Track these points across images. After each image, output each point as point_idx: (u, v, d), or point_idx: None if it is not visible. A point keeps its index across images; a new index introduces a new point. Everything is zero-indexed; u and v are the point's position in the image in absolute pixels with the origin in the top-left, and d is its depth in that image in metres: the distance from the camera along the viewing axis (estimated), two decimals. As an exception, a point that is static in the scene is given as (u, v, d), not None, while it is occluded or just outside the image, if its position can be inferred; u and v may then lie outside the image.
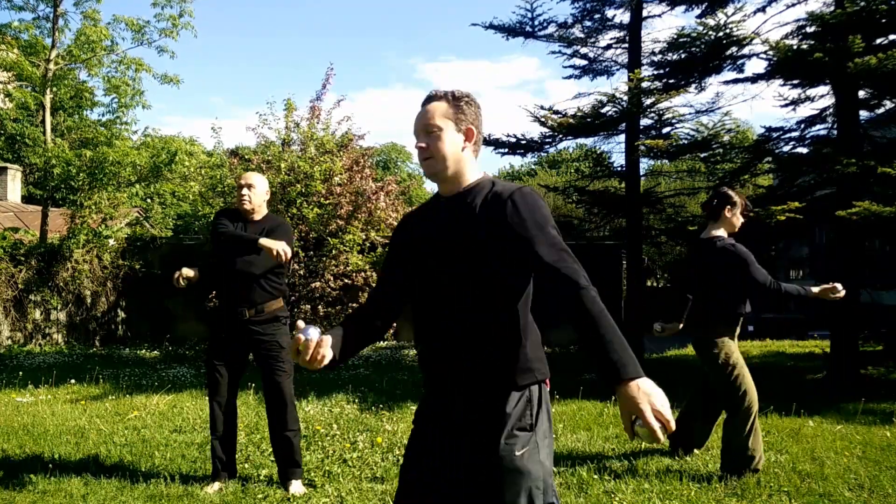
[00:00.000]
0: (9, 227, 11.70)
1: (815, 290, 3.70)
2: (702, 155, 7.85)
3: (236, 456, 3.77)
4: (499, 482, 1.58)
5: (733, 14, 7.51)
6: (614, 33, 8.48)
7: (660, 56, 8.11)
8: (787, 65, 6.85)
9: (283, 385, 3.56)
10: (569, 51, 8.63)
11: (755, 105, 68.32)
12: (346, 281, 8.70)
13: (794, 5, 7.88)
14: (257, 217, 3.65)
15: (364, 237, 8.87)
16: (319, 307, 8.65)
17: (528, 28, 8.36)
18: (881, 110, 7.96)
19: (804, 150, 8.00)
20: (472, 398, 1.67)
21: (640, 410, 1.33)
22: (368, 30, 79.55)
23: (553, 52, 10.86)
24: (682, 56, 7.72)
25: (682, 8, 8.20)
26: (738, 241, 3.97)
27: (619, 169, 8.34)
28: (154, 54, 24.80)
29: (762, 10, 7.93)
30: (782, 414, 5.45)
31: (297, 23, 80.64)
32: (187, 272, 3.58)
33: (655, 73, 8.13)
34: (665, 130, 8.01)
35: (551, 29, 8.40)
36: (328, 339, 1.61)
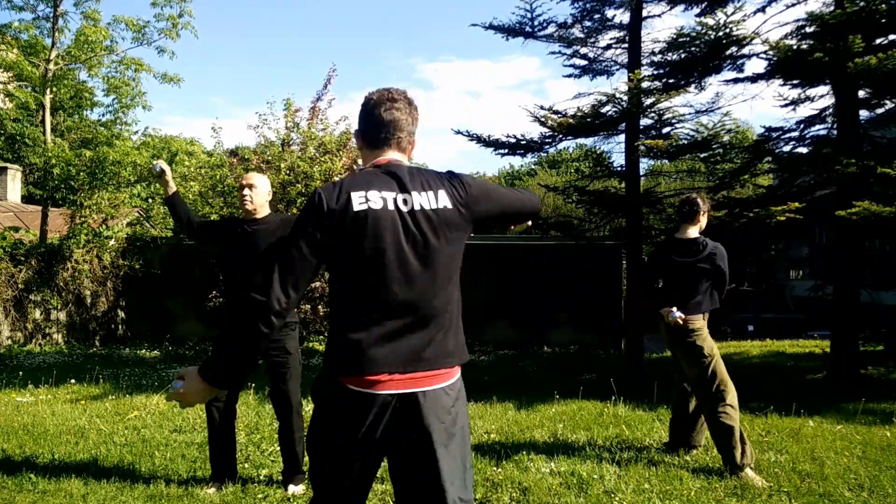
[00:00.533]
0: (9, 227, 11.69)
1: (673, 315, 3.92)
2: (702, 155, 7.85)
3: (236, 456, 3.77)
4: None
5: (733, 14, 7.50)
6: (614, 33, 8.47)
7: (660, 56, 8.11)
8: (787, 65, 6.84)
9: (290, 392, 3.55)
10: (569, 51, 8.62)
11: (755, 105, 68.37)
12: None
13: (794, 5, 7.88)
14: (259, 217, 3.64)
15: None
16: (319, 307, 8.66)
17: (527, 28, 8.34)
18: (881, 110, 7.96)
19: (804, 150, 8.00)
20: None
21: None
22: (369, 30, 79.57)
23: (553, 53, 10.88)
24: (682, 56, 7.71)
25: (682, 7, 8.19)
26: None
27: (619, 169, 8.33)
28: (154, 54, 24.86)
29: (762, 10, 7.93)
30: (782, 414, 5.45)
31: (298, 23, 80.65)
32: (166, 170, 3.65)
33: (655, 73, 8.12)
34: (665, 130, 8.00)
35: (551, 29, 8.39)
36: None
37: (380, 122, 1.87)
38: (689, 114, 8.09)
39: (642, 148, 7.39)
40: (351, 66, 77.02)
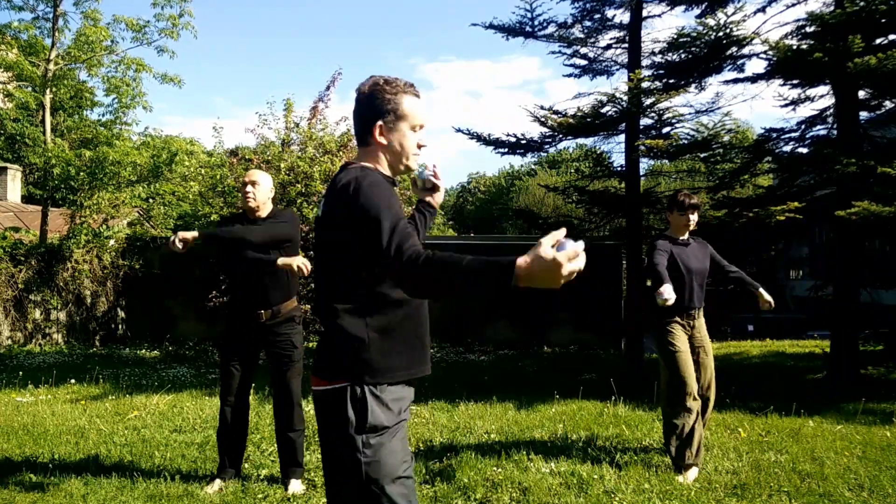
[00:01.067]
0: (9, 227, 11.69)
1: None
2: (702, 155, 7.84)
3: (244, 452, 3.78)
4: None
5: (733, 14, 7.50)
6: (614, 33, 8.47)
7: (660, 56, 8.10)
8: (787, 65, 6.84)
9: (292, 385, 3.57)
10: (569, 51, 8.62)
11: (755, 105, 68.33)
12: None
13: (794, 5, 7.88)
14: (262, 215, 3.64)
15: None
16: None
17: (527, 28, 8.34)
18: (881, 110, 7.96)
19: (804, 150, 8.00)
20: None
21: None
22: (369, 29, 79.56)
23: (553, 52, 10.87)
24: (682, 56, 7.71)
25: (682, 8, 8.19)
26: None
27: (619, 169, 8.33)
28: (154, 54, 24.83)
29: (762, 10, 7.93)
30: (782, 414, 5.45)
31: (298, 23, 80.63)
32: (185, 234, 3.39)
33: (655, 73, 8.12)
34: (665, 130, 7.99)
35: (551, 29, 8.39)
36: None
37: None
38: (689, 114, 8.10)
39: (642, 148, 7.39)
40: (351, 66, 77.02)
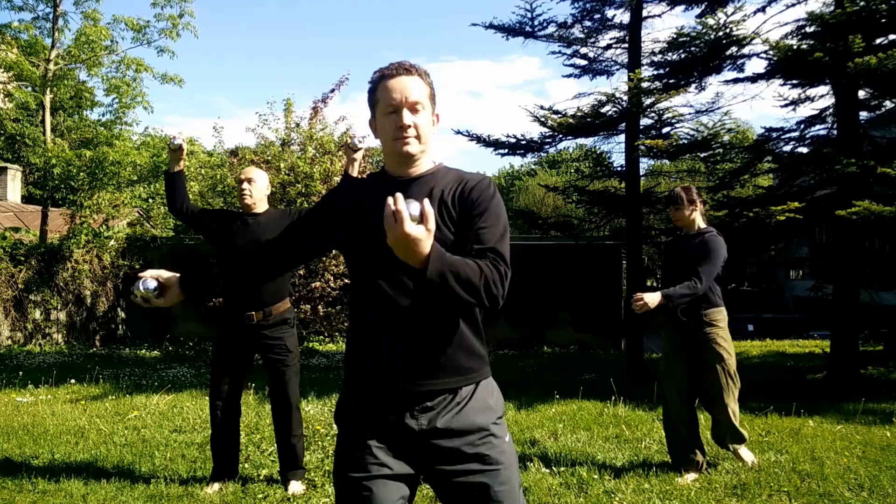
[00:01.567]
0: (9, 227, 11.69)
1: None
2: (702, 155, 7.85)
3: (239, 455, 3.77)
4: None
5: (733, 14, 7.50)
6: (614, 33, 8.47)
7: (660, 56, 8.10)
8: (787, 65, 6.85)
9: (288, 388, 3.55)
10: (569, 51, 8.62)
11: (755, 105, 68.31)
12: (345, 281, 8.69)
13: (794, 5, 7.88)
14: (258, 212, 3.63)
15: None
16: (319, 307, 8.66)
17: (527, 28, 8.34)
18: (881, 110, 7.96)
19: (804, 150, 8.00)
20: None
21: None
22: (369, 29, 79.58)
23: (553, 52, 10.87)
24: (682, 56, 7.71)
25: (682, 8, 8.19)
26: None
27: (619, 169, 8.33)
28: (154, 54, 24.85)
29: (762, 9, 7.93)
30: (782, 414, 5.45)
31: (299, 23, 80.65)
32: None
33: (655, 73, 8.12)
34: (665, 130, 7.99)
35: (551, 29, 8.39)
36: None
37: None
38: (689, 114, 8.10)
39: (642, 148, 7.39)
40: (352, 66, 77.04)
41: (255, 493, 3.49)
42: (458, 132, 8.36)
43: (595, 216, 8.56)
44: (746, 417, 5.38)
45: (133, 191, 12.10)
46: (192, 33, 11.83)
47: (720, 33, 7.16)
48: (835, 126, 7.72)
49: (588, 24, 8.38)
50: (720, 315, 3.80)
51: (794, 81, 7.60)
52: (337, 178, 8.82)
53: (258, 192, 3.60)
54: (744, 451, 4.04)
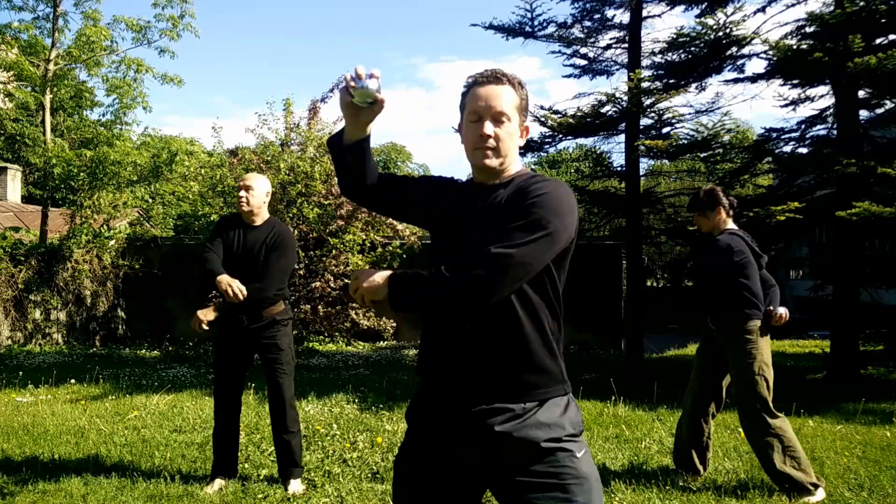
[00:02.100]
0: (9, 227, 11.69)
1: None
2: (702, 155, 7.85)
3: (238, 453, 3.77)
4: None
5: (733, 14, 7.50)
6: (614, 33, 8.48)
7: (660, 56, 8.11)
8: (787, 65, 6.85)
9: (282, 387, 3.58)
10: (569, 51, 8.63)
11: (755, 105, 68.33)
12: (346, 281, 8.70)
13: (794, 5, 7.89)
14: (258, 220, 3.62)
15: (364, 237, 8.88)
16: (319, 307, 8.66)
17: (527, 28, 8.35)
18: (881, 110, 7.96)
19: (804, 150, 8.00)
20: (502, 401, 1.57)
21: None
22: (370, 29, 79.61)
23: (553, 52, 10.88)
24: (682, 56, 7.72)
25: (682, 8, 8.19)
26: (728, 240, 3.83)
27: (619, 169, 8.33)
28: (155, 55, 24.84)
29: (762, 10, 7.93)
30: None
31: (299, 23, 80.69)
32: (206, 316, 3.60)
33: (655, 73, 8.13)
34: (665, 130, 8.00)
35: (551, 29, 8.39)
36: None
37: None
38: (689, 114, 8.12)
39: (642, 148, 7.40)
40: (352, 66, 76.81)
41: (255, 493, 3.49)
42: (458, 131, 8.37)
43: (595, 216, 8.57)
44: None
45: (133, 191, 12.10)
46: (193, 34, 11.83)
47: (720, 33, 7.16)
48: (835, 126, 7.73)
49: (588, 24, 8.39)
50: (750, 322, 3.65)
51: (794, 81, 7.60)
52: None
53: (256, 199, 3.59)
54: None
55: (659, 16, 8.29)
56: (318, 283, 8.43)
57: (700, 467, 3.75)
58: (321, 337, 9.94)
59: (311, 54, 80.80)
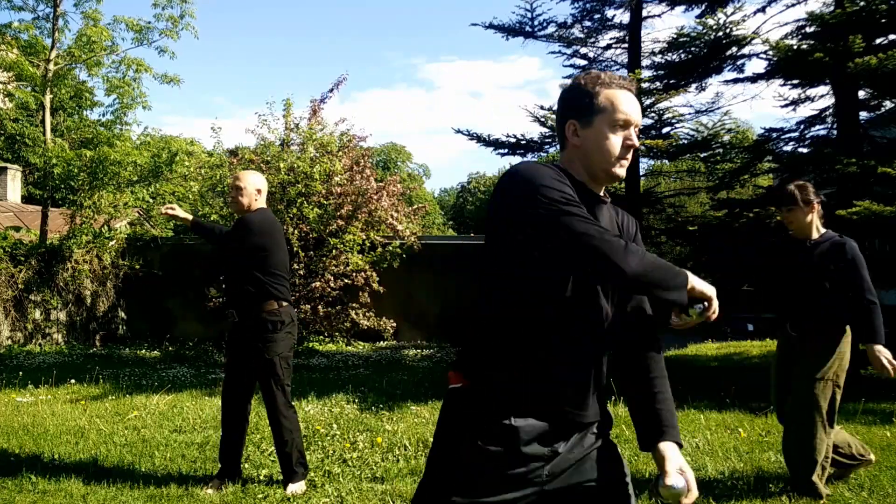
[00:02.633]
0: (9, 226, 11.69)
1: None
2: (702, 155, 7.86)
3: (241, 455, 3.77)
4: None
5: (733, 14, 7.51)
6: (614, 33, 8.49)
7: (660, 56, 8.12)
8: (787, 65, 6.85)
9: (274, 394, 3.51)
10: (569, 50, 8.65)
11: (755, 105, 68.35)
12: (346, 281, 8.70)
13: (794, 5, 7.89)
14: (252, 211, 3.62)
15: (364, 237, 8.88)
16: (319, 307, 8.66)
17: (527, 28, 8.36)
18: (881, 110, 7.96)
19: (804, 150, 8.00)
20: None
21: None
22: (370, 30, 79.60)
23: (553, 52, 10.88)
24: (682, 56, 7.72)
25: (682, 8, 8.20)
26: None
27: (619, 169, 8.34)
28: (155, 54, 24.85)
29: (762, 10, 7.94)
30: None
31: (299, 23, 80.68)
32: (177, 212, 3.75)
33: (655, 73, 8.13)
34: (665, 130, 8.01)
35: (551, 29, 8.41)
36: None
37: None
38: (689, 114, 8.14)
39: (642, 148, 7.40)
40: (353, 66, 77.10)
41: (255, 494, 3.49)
42: (458, 131, 8.38)
43: (595, 216, 8.56)
44: (746, 417, 5.39)
45: (133, 191, 12.10)
46: (193, 34, 11.83)
47: (720, 33, 7.16)
48: (835, 126, 7.73)
49: (588, 24, 8.40)
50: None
51: (794, 81, 7.60)
52: (337, 178, 8.81)
53: (246, 197, 3.57)
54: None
55: (659, 16, 8.30)
56: (318, 283, 8.43)
57: (824, 490, 3.39)
58: (321, 337, 9.95)
59: (311, 54, 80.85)
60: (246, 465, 3.95)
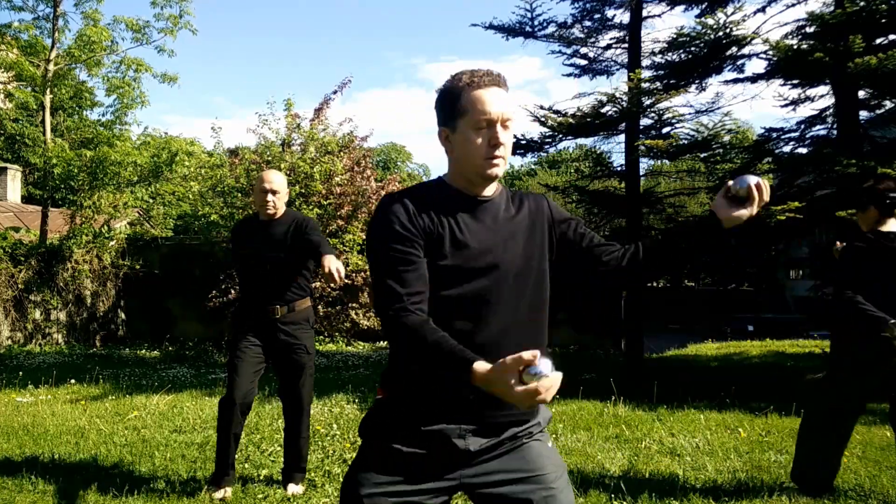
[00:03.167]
0: (9, 227, 11.69)
1: None
2: (702, 155, 7.84)
3: (236, 455, 3.76)
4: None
5: (733, 14, 7.49)
6: (614, 33, 8.47)
7: (660, 56, 8.10)
8: (787, 65, 6.84)
9: (303, 390, 3.51)
10: (569, 50, 8.62)
11: (755, 105, 68.25)
12: (345, 281, 8.70)
13: (794, 5, 7.89)
14: (279, 215, 3.58)
15: (364, 237, 8.89)
16: (319, 307, 8.66)
17: (527, 28, 8.34)
18: (881, 110, 7.96)
19: (804, 150, 8.00)
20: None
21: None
22: (370, 30, 79.60)
23: (553, 52, 10.87)
24: (682, 56, 7.71)
25: (682, 8, 8.19)
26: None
27: (619, 169, 8.33)
28: (154, 53, 24.81)
29: (762, 10, 7.93)
30: (782, 414, 5.44)
31: (299, 23, 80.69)
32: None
33: (655, 73, 8.12)
34: (665, 130, 7.99)
35: (551, 29, 8.38)
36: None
37: None
38: (689, 114, 8.10)
39: (642, 148, 7.39)
40: (353, 66, 77.11)
41: (255, 494, 3.49)
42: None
43: (595, 216, 8.56)
44: (746, 417, 5.39)
45: (133, 191, 12.11)
46: (191, 30, 11.81)
47: (720, 33, 7.15)
48: (835, 126, 7.72)
49: (588, 24, 8.38)
50: None
51: (794, 81, 7.59)
52: (337, 178, 8.82)
53: (282, 201, 3.56)
54: None
55: (659, 16, 8.29)
56: (318, 283, 8.43)
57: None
58: (321, 337, 9.95)
59: (311, 54, 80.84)
60: (246, 465, 3.95)
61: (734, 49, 7.44)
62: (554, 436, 4.79)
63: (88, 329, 10.89)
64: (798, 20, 7.66)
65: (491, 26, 8.37)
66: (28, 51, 11.85)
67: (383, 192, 9.03)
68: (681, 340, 12.54)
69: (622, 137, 8.15)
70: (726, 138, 7.34)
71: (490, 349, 1.39)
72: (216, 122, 25.88)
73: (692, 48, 7.46)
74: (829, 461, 3.47)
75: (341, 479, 3.69)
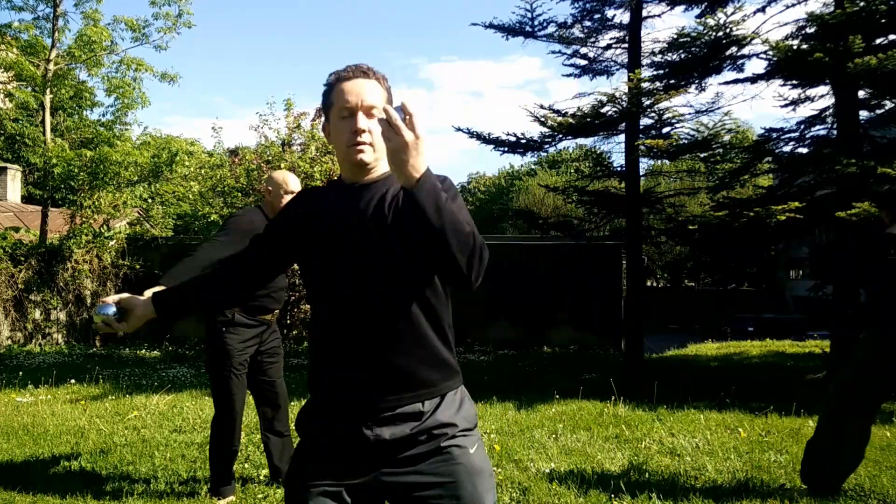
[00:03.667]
0: (9, 227, 11.69)
1: None
2: (702, 155, 7.84)
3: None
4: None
5: (733, 14, 7.49)
6: (614, 33, 8.46)
7: (660, 56, 8.10)
8: (787, 65, 6.84)
9: (282, 388, 3.60)
10: (569, 50, 8.62)
11: (755, 105, 68.30)
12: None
13: (794, 5, 7.88)
14: None
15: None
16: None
17: (527, 28, 8.34)
18: (881, 110, 7.95)
19: (804, 150, 8.00)
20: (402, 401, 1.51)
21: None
22: (370, 30, 79.60)
23: (553, 52, 10.86)
24: (682, 56, 7.70)
25: (682, 8, 8.19)
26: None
27: (618, 169, 8.32)
28: (153, 52, 24.82)
29: (762, 10, 7.93)
30: (782, 414, 5.44)
31: (299, 23, 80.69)
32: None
33: (655, 73, 8.12)
34: (665, 130, 7.98)
35: (551, 29, 8.38)
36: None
37: None
38: (689, 114, 8.09)
39: (642, 148, 7.39)
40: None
41: (255, 494, 3.49)
42: (458, 129, 8.36)
43: (595, 216, 8.56)
44: (746, 417, 5.39)
45: (133, 191, 12.11)
46: (186, 25, 11.80)
47: (720, 33, 7.15)
48: (835, 126, 7.72)
49: (588, 24, 8.38)
50: None
51: (794, 81, 7.59)
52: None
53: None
54: None
55: (659, 16, 8.28)
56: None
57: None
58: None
59: (311, 54, 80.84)
60: (246, 465, 3.95)
61: (734, 49, 7.44)
62: (554, 436, 4.80)
63: (88, 329, 10.89)
64: (798, 20, 7.66)
65: (491, 26, 8.36)
66: (28, 51, 11.86)
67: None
68: (681, 340, 12.54)
69: (622, 137, 8.15)
70: (726, 138, 7.34)
71: (350, 340, 1.52)
72: (216, 122, 25.89)
73: (692, 48, 7.46)
74: (835, 463, 3.45)
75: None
